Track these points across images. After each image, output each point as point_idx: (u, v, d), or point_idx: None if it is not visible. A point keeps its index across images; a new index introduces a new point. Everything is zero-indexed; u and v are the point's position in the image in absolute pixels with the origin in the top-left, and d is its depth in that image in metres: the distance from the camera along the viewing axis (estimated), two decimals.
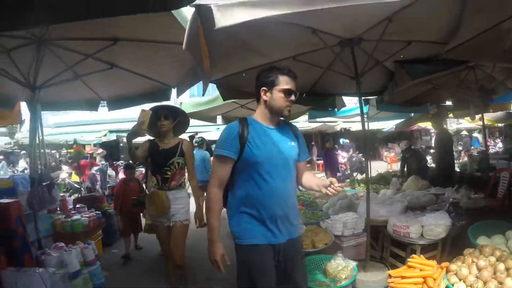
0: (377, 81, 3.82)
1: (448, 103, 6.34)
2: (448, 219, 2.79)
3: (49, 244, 3.08)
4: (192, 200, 2.94)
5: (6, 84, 3.18)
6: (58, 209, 3.86)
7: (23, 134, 12.60)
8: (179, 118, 2.91)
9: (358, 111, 7.29)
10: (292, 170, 1.93)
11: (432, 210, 3.19)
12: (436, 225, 2.70)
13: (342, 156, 10.58)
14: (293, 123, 2.16)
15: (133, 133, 2.54)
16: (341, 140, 11.69)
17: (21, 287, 2.13)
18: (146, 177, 3.33)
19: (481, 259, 2.10)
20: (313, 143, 11.16)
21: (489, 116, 10.15)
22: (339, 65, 3.19)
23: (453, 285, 2.00)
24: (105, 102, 4.30)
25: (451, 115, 7.40)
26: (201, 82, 2.81)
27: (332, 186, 1.69)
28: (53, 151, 14.04)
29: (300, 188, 2.56)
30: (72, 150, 10.62)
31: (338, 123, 13.37)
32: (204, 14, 1.65)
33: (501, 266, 1.97)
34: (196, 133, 12.14)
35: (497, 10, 2.19)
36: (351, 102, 7.16)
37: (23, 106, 4.21)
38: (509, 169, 4.42)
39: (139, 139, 2.92)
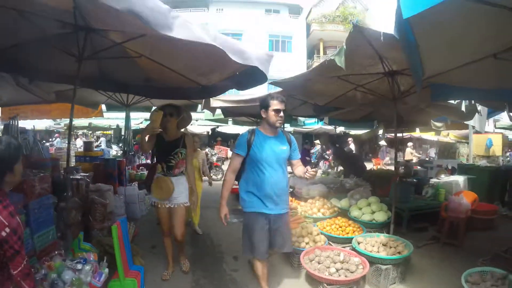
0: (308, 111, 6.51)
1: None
2: (323, 188, 5.47)
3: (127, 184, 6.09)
4: None
5: (97, 96, 5.66)
6: (130, 167, 6.96)
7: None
8: (183, 115, 3.12)
9: (318, 124, 9.94)
10: (283, 165, 2.61)
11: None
12: (315, 190, 5.41)
13: (327, 154, 13.09)
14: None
15: (147, 130, 2.88)
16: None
17: (126, 193, 5.15)
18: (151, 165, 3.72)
19: (311, 201, 4.85)
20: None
21: (456, 133, 12.29)
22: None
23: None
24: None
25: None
26: None
27: (307, 172, 2.45)
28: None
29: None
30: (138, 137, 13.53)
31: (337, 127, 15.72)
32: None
33: (317, 203, 4.74)
34: (217, 126, 15.04)
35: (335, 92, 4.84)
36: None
37: (103, 107, 7.27)
38: (396, 177, 6.87)
39: None
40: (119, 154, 11.53)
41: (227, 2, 23.42)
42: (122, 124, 14.54)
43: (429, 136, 15.98)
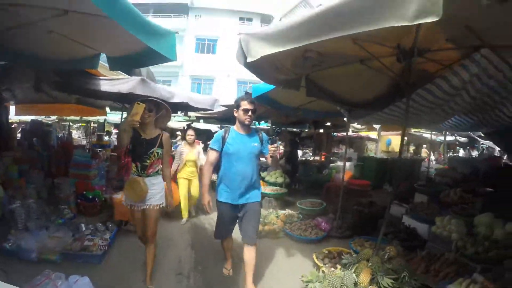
0: None
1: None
2: None
3: None
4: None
5: (106, 102, 8.32)
6: None
7: None
8: (162, 112, 2.93)
9: (263, 125, 13.31)
10: (253, 160, 2.91)
11: None
12: None
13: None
14: None
15: (127, 123, 2.56)
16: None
17: None
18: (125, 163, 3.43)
19: None
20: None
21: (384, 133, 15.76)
22: None
23: None
24: None
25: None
26: None
27: (270, 150, 2.87)
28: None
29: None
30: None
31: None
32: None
33: None
34: (192, 122, 17.62)
35: None
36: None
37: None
38: (311, 163, 10.36)
39: None
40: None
41: (206, 10, 25.91)
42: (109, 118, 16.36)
43: (373, 135, 19.75)
